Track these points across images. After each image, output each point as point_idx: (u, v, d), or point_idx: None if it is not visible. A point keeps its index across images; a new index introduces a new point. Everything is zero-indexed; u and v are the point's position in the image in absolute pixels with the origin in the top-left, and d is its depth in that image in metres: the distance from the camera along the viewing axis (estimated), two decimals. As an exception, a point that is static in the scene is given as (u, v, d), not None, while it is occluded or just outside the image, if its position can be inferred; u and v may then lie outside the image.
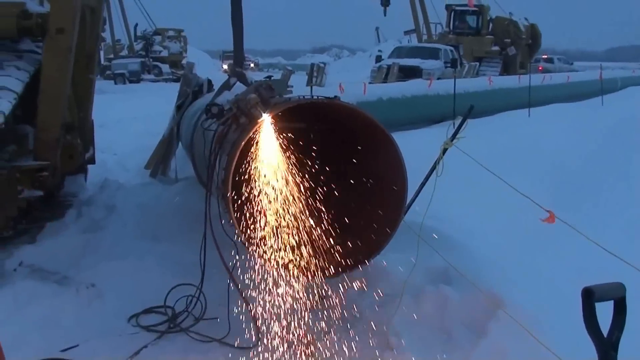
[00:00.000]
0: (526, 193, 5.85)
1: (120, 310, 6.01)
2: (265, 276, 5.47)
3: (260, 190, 5.51)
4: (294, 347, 5.26)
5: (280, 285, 5.50)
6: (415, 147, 7.13)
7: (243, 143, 5.16)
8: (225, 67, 61.55)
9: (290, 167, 5.65)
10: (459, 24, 46.26)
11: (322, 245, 5.74)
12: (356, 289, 5.76)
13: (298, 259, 5.64)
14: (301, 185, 5.76)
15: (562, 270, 6.75)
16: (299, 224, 5.73)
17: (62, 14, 7.27)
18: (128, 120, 20.21)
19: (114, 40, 61.14)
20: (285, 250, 5.61)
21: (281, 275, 5.51)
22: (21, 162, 7.38)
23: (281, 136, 5.56)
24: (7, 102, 6.89)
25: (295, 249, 5.67)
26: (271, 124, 5.36)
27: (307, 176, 5.89)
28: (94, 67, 9.57)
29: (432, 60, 35.06)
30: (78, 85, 8.89)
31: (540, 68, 50.16)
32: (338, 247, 5.77)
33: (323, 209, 5.95)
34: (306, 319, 5.47)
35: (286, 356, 5.16)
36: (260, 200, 5.52)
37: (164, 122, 12.72)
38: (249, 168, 5.49)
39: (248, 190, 5.53)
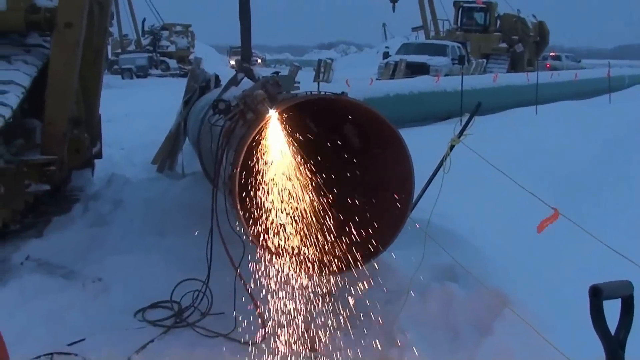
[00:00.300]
0: (531, 191, 5.84)
1: (126, 304, 6.02)
2: (271, 272, 5.46)
3: (266, 186, 5.51)
4: (299, 343, 5.26)
5: (286, 281, 5.50)
6: (422, 144, 7.10)
7: (250, 139, 5.16)
8: (232, 62, 61.50)
9: (297, 163, 5.64)
10: (466, 20, 46.25)
11: (328, 241, 5.74)
12: (362, 285, 5.75)
13: (304, 255, 5.63)
14: (308, 182, 5.76)
15: (567, 268, 6.75)
16: (305, 220, 5.72)
17: (70, 8, 7.28)
18: (135, 115, 20.23)
19: (121, 35, 61.25)
20: (291, 247, 5.61)
21: (287, 271, 5.51)
22: (28, 156, 7.39)
23: (288, 132, 5.55)
24: (15, 96, 6.90)
25: (302, 245, 5.67)
26: (278, 120, 5.36)
27: (313, 172, 5.88)
28: (101, 62, 9.57)
29: (440, 57, 34.99)
30: (86, 79, 8.89)
31: (547, 65, 50.21)
32: (344, 244, 5.77)
33: (329, 205, 5.95)
34: (312, 316, 5.48)
35: (291, 352, 5.17)
36: (267, 196, 5.52)
37: (171, 118, 12.72)
38: (256, 164, 5.49)
39: (255, 186, 5.53)
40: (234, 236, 5.41)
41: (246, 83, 8.23)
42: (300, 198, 5.67)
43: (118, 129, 15.92)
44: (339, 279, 5.72)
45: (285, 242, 5.57)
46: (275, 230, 5.54)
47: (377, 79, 25.30)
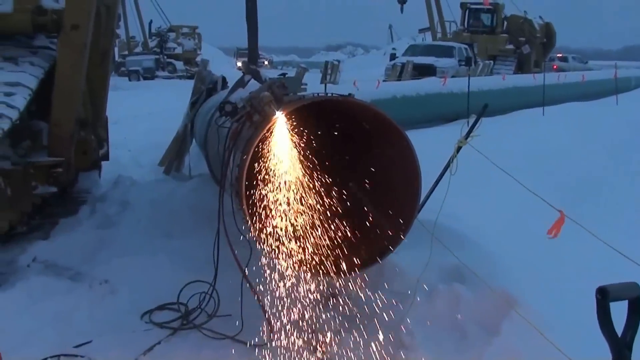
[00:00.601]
0: (537, 193, 5.83)
1: (133, 306, 6.02)
2: (278, 274, 5.46)
3: (273, 187, 5.51)
4: (306, 344, 5.25)
5: (292, 282, 5.50)
6: (428, 145, 7.11)
7: (257, 141, 5.16)
8: (239, 64, 61.63)
9: (304, 165, 5.64)
10: (473, 22, 46.23)
11: (335, 243, 5.74)
12: (369, 286, 5.75)
13: (311, 256, 5.63)
14: (314, 183, 5.76)
15: (573, 269, 6.73)
16: (312, 222, 5.73)
17: (77, 10, 7.29)
18: (142, 117, 20.28)
19: (128, 37, 61.43)
20: (298, 248, 5.61)
21: (294, 272, 5.50)
22: (35, 158, 7.42)
23: (295, 134, 5.55)
24: (22, 98, 6.92)
25: (308, 246, 5.66)
26: (285, 121, 5.36)
27: (320, 174, 5.88)
28: (108, 64, 9.59)
29: (447, 58, 35.02)
30: (92, 81, 8.91)
31: (554, 67, 50.10)
32: (351, 245, 5.77)
33: (336, 206, 5.95)
34: (319, 317, 5.48)
35: (298, 354, 5.16)
36: (274, 197, 5.52)
37: (178, 119, 12.74)
38: (263, 165, 5.49)
39: (261, 188, 5.53)
40: (240, 238, 5.41)
41: (253, 85, 8.24)
42: (307, 199, 5.67)
43: (125, 130, 15.95)
44: (345, 280, 5.72)
45: (291, 243, 5.57)
46: (282, 232, 5.54)
47: (384, 81, 25.29)
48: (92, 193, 9.78)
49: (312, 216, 5.73)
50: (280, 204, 5.53)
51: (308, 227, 5.71)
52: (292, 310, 5.41)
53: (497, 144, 8.26)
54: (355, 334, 5.36)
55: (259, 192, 5.53)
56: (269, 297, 5.44)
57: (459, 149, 6.17)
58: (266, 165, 5.48)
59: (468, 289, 5.73)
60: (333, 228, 5.80)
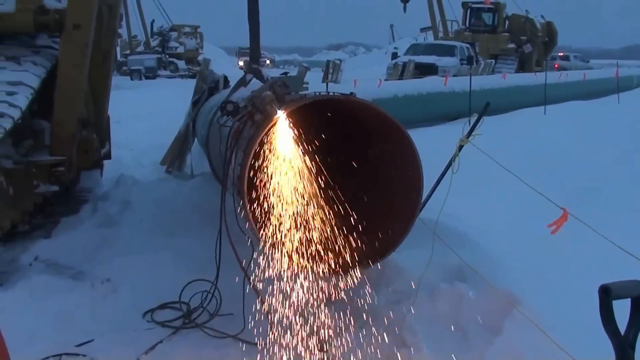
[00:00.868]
0: (539, 191, 5.83)
1: (135, 305, 6.02)
2: (280, 272, 5.46)
3: (275, 186, 5.51)
4: (308, 343, 5.25)
5: (294, 281, 5.49)
6: (430, 144, 7.10)
7: (259, 140, 5.16)
8: (241, 63, 61.56)
9: (306, 163, 5.64)
10: (475, 21, 46.24)
11: (337, 242, 5.73)
12: (371, 285, 5.75)
13: (313, 255, 5.63)
14: (316, 182, 5.75)
15: (576, 268, 6.72)
16: (313, 221, 5.72)
17: (79, 9, 7.30)
18: (144, 116, 20.28)
19: (130, 36, 61.41)
20: (299, 247, 5.61)
21: (295, 271, 5.50)
22: (37, 157, 7.42)
23: (296, 133, 5.55)
24: (24, 97, 6.93)
25: (310, 245, 5.66)
26: (286, 120, 5.36)
27: (322, 173, 5.87)
28: (110, 63, 9.60)
29: (448, 57, 35.04)
30: (94, 81, 8.92)
31: (556, 66, 50.13)
32: (353, 244, 5.76)
33: (338, 205, 5.94)
34: (320, 316, 5.47)
35: (300, 353, 5.16)
36: (276, 196, 5.51)
37: (180, 118, 12.74)
38: (265, 164, 5.48)
39: (263, 187, 5.53)
40: (242, 236, 5.41)
41: (255, 84, 8.24)
42: (309, 198, 5.66)
43: (127, 129, 15.95)
44: (347, 279, 5.72)
45: (293, 242, 5.57)
46: (284, 231, 5.53)
47: (385, 80, 25.30)
48: (94, 192, 9.76)
49: (314, 215, 5.72)
50: (282, 203, 5.53)
51: (310, 226, 5.70)
52: (294, 309, 5.40)
53: (499, 143, 8.25)
54: (357, 333, 5.35)
55: (261, 191, 5.53)
56: (270, 295, 5.43)
57: (460, 147, 6.17)
58: (268, 164, 5.48)
59: (470, 288, 5.71)
60: (335, 227, 5.80)
